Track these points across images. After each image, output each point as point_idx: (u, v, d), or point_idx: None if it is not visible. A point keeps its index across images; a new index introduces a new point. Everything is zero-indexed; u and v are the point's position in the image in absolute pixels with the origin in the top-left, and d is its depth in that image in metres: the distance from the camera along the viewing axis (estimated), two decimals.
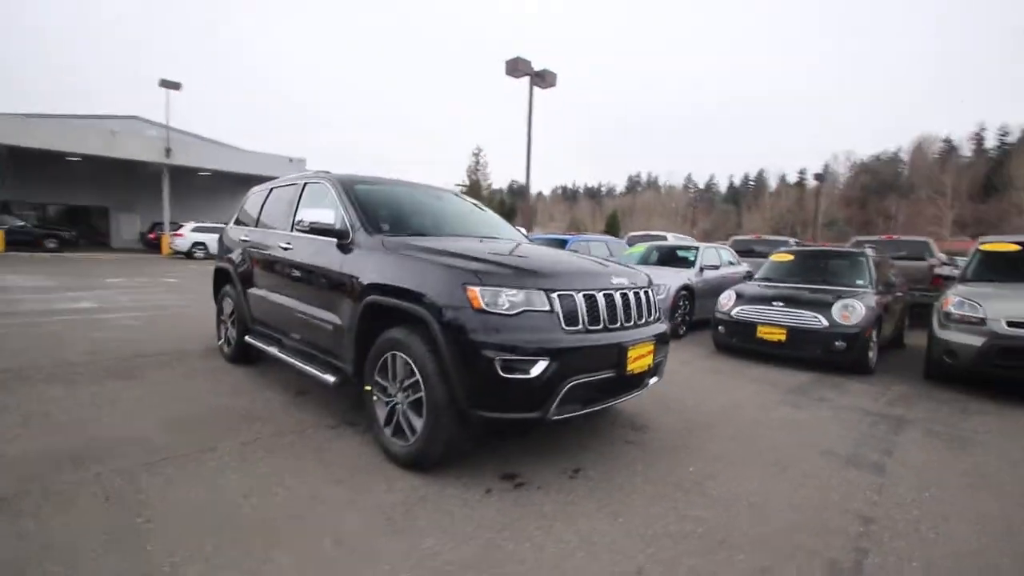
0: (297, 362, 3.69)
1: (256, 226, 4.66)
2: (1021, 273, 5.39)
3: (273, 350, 4.06)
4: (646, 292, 3.20)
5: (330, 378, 3.30)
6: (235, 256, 4.74)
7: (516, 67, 14.10)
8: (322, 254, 3.47)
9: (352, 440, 3.19)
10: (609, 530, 2.30)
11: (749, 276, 9.03)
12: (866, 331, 5.43)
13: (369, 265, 3.07)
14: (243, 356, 4.78)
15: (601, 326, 2.76)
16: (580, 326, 2.67)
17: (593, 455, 3.12)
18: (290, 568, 1.95)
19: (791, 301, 5.86)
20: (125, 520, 2.21)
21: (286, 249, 3.92)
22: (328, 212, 3.39)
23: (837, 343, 5.41)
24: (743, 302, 6.15)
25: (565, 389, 2.55)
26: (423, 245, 3.06)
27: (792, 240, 14.39)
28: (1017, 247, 5.62)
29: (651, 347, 2.99)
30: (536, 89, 14.80)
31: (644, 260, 8.95)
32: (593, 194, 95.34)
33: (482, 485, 2.67)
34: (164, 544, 2.05)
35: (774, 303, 5.92)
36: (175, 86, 21.79)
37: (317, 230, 3.39)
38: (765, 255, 12.28)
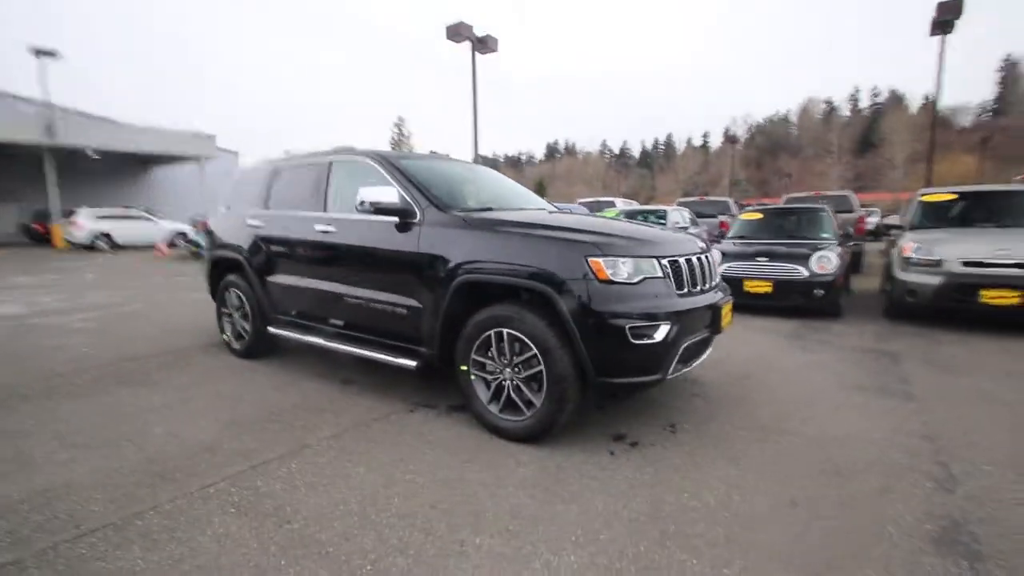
0: (358, 350, 3.54)
1: (265, 210, 4.30)
2: (958, 219, 6.26)
3: (315, 339, 3.84)
4: (709, 255, 3.39)
5: (410, 363, 3.21)
6: (244, 244, 4.35)
7: (458, 32, 13.62)
8: (384, 235, 3.31)
9: (441, 422, 3.15)
10: (741, 473, 2.51)
11: (717, 236, 9.62)
12: (838, 278, 6.07)
13: (457, 244, 2.98)
14: (258, 350, 4.47)
15: (698, 289, 2.92)
16: (685, 290, 2.81)
17: (674, 411, 3.32)
18: (489, 547, 1.96)
19: (772, 256, 6.39)
20: (277, 527, 2.08)
21: (326, 232, 3.67)
22: (388, 191, 3.21)
23: (816, 291, 6.02)
24: (728, 259, 6.61)
25: (681, 349, 2.69)
26: (511, 219, 3.03)
27: (731, 201, 15.45)
28: (955, 196, 6.49)
29: (731, 305, 3.20)
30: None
31: None
32: (514, 163, 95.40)
33: (601, 448, 2.78)
34: (344, 546, 1.97)
35: (757, 259, 6.43)
36: (50, 54, 18.73)
37: (383, 210, 3.22)
38: (712, 215, 13.20)
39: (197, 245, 17.07)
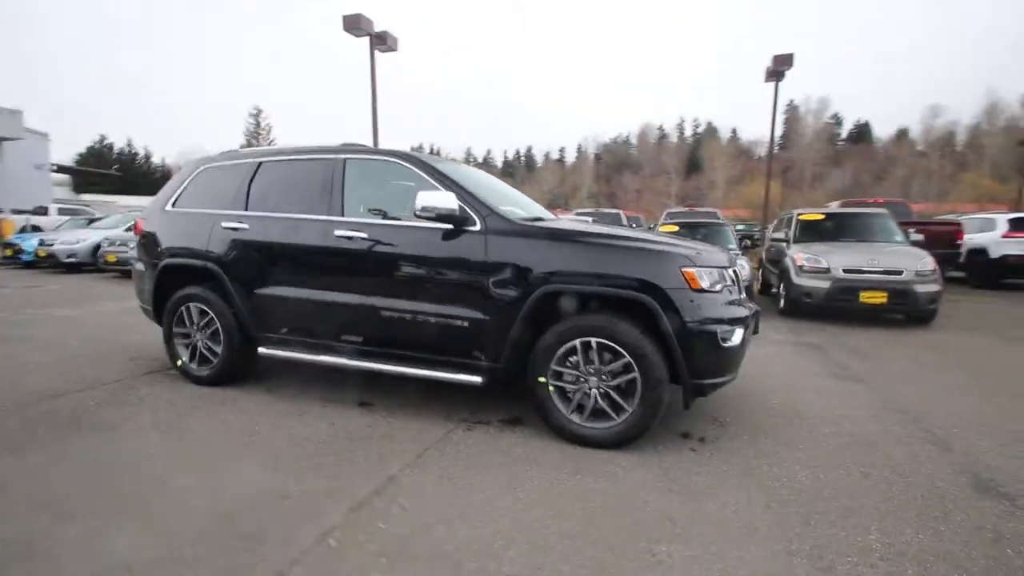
0: (393, 367, 3.26)
1: (245, 210, 3.71)
2: (830, 234, 7.75)
3: (329, 359, 3.43)
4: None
5: (475, 378, 3.07)
6: (218, 250, 3.69)
7: (357, 24, 12.85)
8: (439, 243, 3.11)
9: (510, 437, 3.05)
10: (805, 455, 2.88)
11: None
12: (750, 284, 7.11)
13: (535, 253, 2.93)
14: (231, 374, 3.83)
15: (745, 296, 3.27)
16: (743, 296, 3.13)
17: (714, 405, 3.63)
18: (678, 553, 2.00)
19: None
20: (453, 570, 1.89)
21: (350, 239, 3.30)
22: (446, 196, 3.03)
23: None
24: None
25: (746, 351, 3.00)
26: (587, 230, 3.10)
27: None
28: (823, 216, 8.00)
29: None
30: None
31: None
32: None
33: (680, 446, 2.95)
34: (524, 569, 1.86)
35: None
36: None
37: (444, 217, 3.03)
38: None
39: (9, 246, 13.75)
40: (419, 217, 3.05)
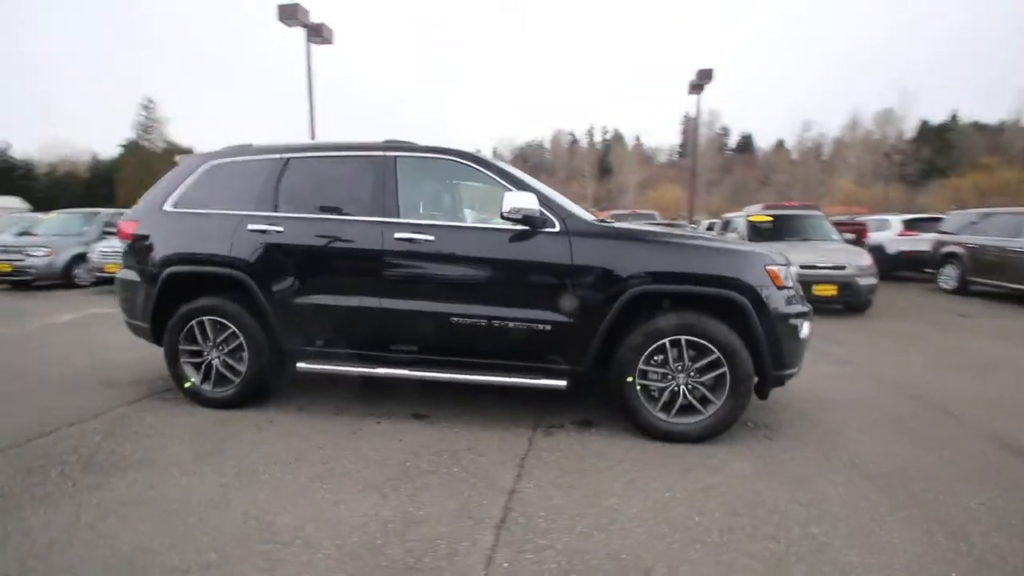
0: (462, 376, 3.11)
1: (275, 211, 3.34)
2: (776, 234, 8.49)
3: (387, 371, 3.20)
4: None
5: (560, 382, 3.01)
6: (246, 255, 3.27)
7: (292, 15, 11.97)
8: (517, 246, 3.01)
9: (595, 439, 3.03)
10: (859, 437, 3.15)
11: None
12: None
13: (622, 255, 2.94)
14: (255, 393, 3.44)
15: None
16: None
17: None
18: (832, 533, 2.10)
19: None
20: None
21: (414, 241, 3.09)
22: (528, 197, 2.95)
23: None
24: None
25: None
26: (667, 232, 3.15)
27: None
28: (770, 218, 8.77)
29: None
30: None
31: None
32: None
33: (755, 435, 3.10)
34: (639, 549, 1.88)
35: None
36: None
37: (524, 219, 2.94)
38: None
39: None
40: (505, 219, 2.93)
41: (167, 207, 3.53)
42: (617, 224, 3.17)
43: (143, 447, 2.85)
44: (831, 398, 3.83)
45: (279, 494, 2.38)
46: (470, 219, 3.65)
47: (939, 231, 10.36)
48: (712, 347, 2.86)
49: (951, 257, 9.61)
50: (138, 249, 3.54)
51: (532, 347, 3.05)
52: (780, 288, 2.92)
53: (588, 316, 2.95)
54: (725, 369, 2.87)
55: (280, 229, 3.27)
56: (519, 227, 3.03)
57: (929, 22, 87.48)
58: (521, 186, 3.12)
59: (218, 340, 3.39)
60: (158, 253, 3.45)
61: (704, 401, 2.94)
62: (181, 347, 3.43)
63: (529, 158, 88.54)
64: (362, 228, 3.19)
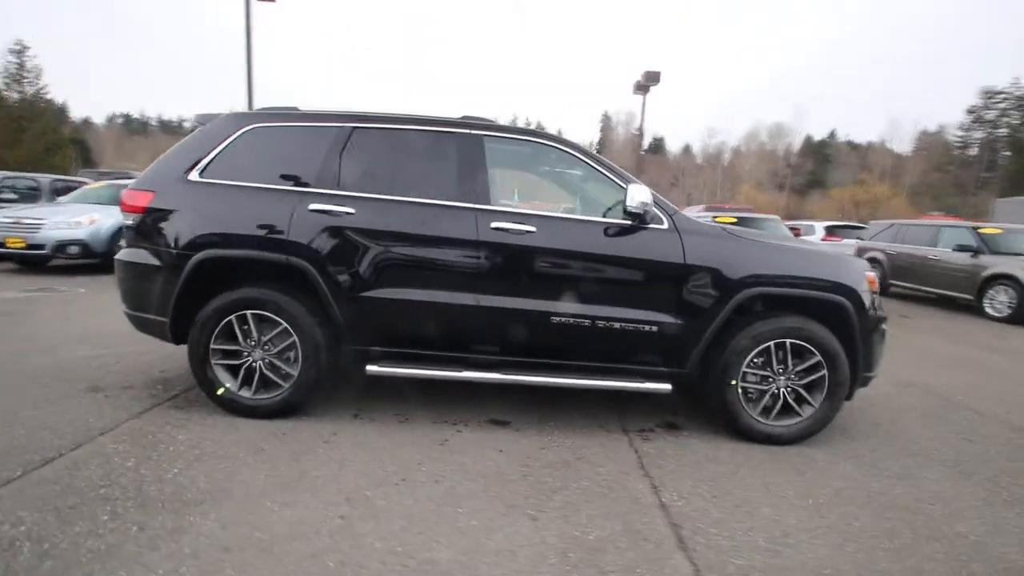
0: (570, 380, 2.90)
1: (337, 189, 2.87)
2: None
3: (469, 374, 2.89)
4: None
5: (665, 386, 2.90)
6: (307, 240, 2.78)
7: None
8: (624, 243, 2.85)
9: (691, 443, 2.96)
10: (915, 432, 3.37)
11: None
12: None
13: (732, 255, 2.87)
14: (305, 400, 2.98)
15: None
16: None
17: None
18: (981, 530, 2.20)
19: None
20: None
21: (509, 232, 2.80)
22: (644, 191, 2.79)
23: None
24: None
25: None
26: (743, 229, 3.15)
27: None
28: (735, 220, 9.25)
29: None
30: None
31: None
32: (171, 128, 77.22)
33: (836, 433, 3.20)
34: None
35: None
36: None
37: (640, 214, 2.79)
38: None
39: None
40: (628, 215, 2.74)
41: (193, 176, 2.90)
42: (728, 227, 3.12)
43: (202, 473, 2.32)
44: (858, 395, 4.06)
45: (414, 523, 2.04)
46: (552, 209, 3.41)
47: (859, 238, 11.60)
48: (814, 350, 2.90)
49: (873, 262, 10.79)
50: (154, 226, 2.88)
51: (635, 349, 2.90)
52: (873, 292, 3.02)
53: (698, 317, 2.86)
54: (825, 372, 2.92)
55: (351, 211, 2.81)
56: (626, 222, 2.86)
57: (826, 44, 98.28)
58: (625, 178, 2.95)
59: (263, 339, 2.87)
60: (186, 232, 2.83)
61: (799, 403, 2.98)
62: (213, 346, 2.86)
63: None
64: (453, 215, 2.83)
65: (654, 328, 2.86)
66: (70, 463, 2.34)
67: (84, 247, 7.63)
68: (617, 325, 2.85)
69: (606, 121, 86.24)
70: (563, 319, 2.84)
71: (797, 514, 2.28)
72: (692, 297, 2.86)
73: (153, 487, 2.18)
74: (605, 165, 2.99)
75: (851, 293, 2.91)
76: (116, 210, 8.26)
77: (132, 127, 73.98)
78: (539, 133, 3.03)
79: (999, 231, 8.69)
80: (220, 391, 2.88)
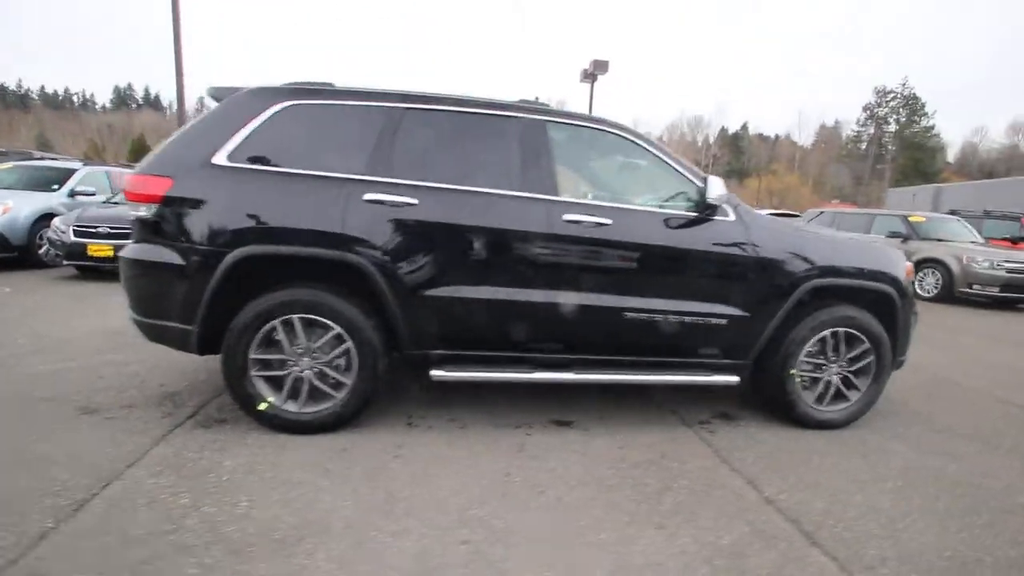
0: (635, 376, 2.84)
1: (392, 177, 2.58)
2: None
3: (542, 375, 2.75)
4: None
5: (732, 378, 2.91)
6: (367, 234, 2.48)
7: None
8: (697, 235, 2.81)
9: (754, 432, 3.00)
10: (965, 409, 3.64)
11: None
12: None
13: (799, 248, 2.91)
14: (359, 411, 2.70)
15: None
16: None
17: None
18: None
19: None
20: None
21: (581, 224, 2.66)
22: (719, 183, 2.75)
23: None
24: None
25: None
26: (826, 229, 3.19)
27: None
28: None
29: None
30: None
31: None
32: (55, 103, 68.25)
33: (879, 416, 3.36)
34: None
35: None
36: None
37: (703, 206, 2.78)
38: None
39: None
40: (700, 206, 2.70)
41: (220, 160, 2.49)
42: (788, 220, 3.15)
43: (277, 504, 2.02)
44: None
45: (545, 544, 1.89)
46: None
47: None
48: (863, 337, 3.02)
49: None
50: (175, 219, 2.44)
51: (703, 342, 2.88)
52: (911, 281, 3.19)
53: (763, 309, 2.88)
54: (872, 358, 3.06)
55: (414, 202, 2.54)
56: (696, 214, 2.81)
57: (752, 38, 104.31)
58: (692, 171, 2.89)
59: (312, 346, 2.54)
60: (219, 226, 2.43)
61: (848, 388, 3.10)
62: (253, 356, 2.50)
63: None
64: (522, 206, 2.64)
65: (723, 321, 2.85)
66: (109, 505, 1.95)
67: (0, 239, 6.52)
68: (688, 319, 2.81)
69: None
70: (636, 314, 2.75)
71: (886, 499, 2.36)
72: (759, 289, 2.87)
73: (231, 527, 1.87)
74: (669, 154, 2.92)
75: (895, 282, 3.06)
76: (34, 196, 7.17)
77: (8, 100, 64.41)
78: (603, 120, 2.90)
79: (924, 219, 9.66)
80: (262, 406, 2.53)
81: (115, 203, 7.46)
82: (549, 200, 2.67)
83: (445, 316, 2.64)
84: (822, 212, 11.71)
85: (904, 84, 49.04)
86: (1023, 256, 8.40)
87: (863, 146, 52.44)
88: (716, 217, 2.85)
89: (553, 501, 2.18)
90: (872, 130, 50.75)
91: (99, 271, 6.86)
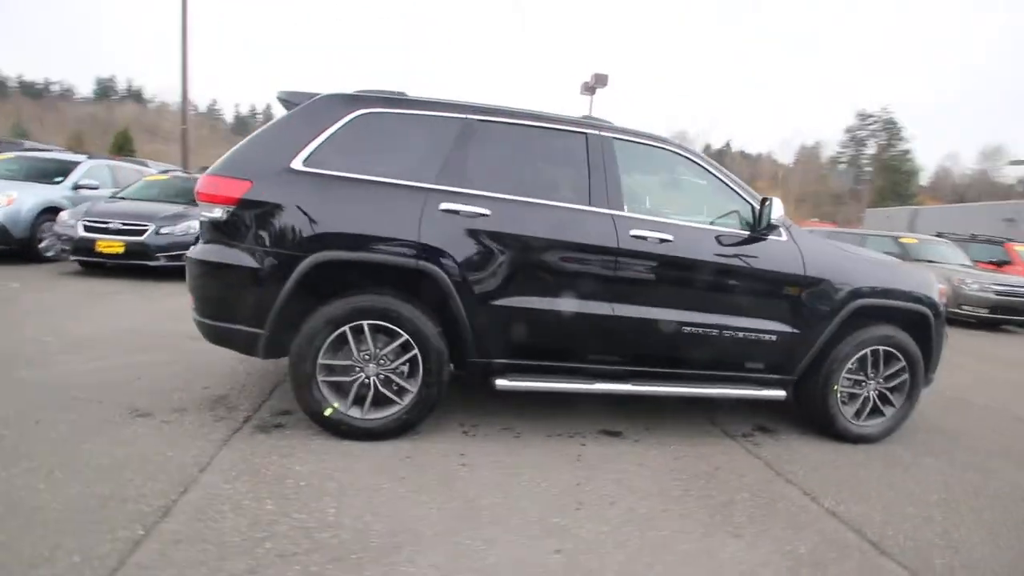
0: (688, 389, 2.91)
1: (465, 187, 2.62)
2: None
3: (603, 386, 2.81)
4: None
5: (780, 393, 3.01)
6: (441, 243, 2.51)
7: None
8: (752, 252, 2.90)
9: (795, 444, 3.09)
10: (982, 423, 3.80)
11: None
12: None
13: (847, 268, 3.03)
14: (423, 418, 2.71)
15: None
16: None
17: None
18: None
19: None
20: None
21: (647, 240, 2.73)
22: (778, 203, 2.87)
23: None
24: None
25: None
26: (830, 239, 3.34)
27: None
28: None
29: None
30: None
31: None
32: (34, 92, 66.39)
33: (919, 430, 3.49)
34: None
35: None
36: None
37: (756, 225, 2.88)
38: None
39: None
40: (757, 227, 2.82)
41: (297, 164, 2.50)
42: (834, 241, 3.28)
43: (366, 512, 2.01)
44: None
45: (635, 554, 1.93)
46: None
47: None
48: (900, 356, 3.15)
49: None
50: (252, 222, 2.44)
51: (754, 357, 2.97)
52: (943, 303, 3.33)
53: (812, 327, 2.98)
54: (907, 376, 3.18)
55: (487, 212, 2.58)
56: (752, 233, 2.91)
57: (738, 61, 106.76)
58: (749, 192, 3.00)
59: (381, 352, 2.55)
60: (297, 231, 2.43)
61: (888, 404, 3.22)
62: (321, 361, 2.50)
63: None
64: (591, 220, 2.71)
65: (773, 337, 2.95)
66: (195, 511, 1.93)
67: (2, 232, 6.32)
68: (741, 334, 2.90)
69: None
70: (695, 328, 2.83)
71: (936, 511, 2.46)
72: (809, 307, 2.97)
73: (325, 534, 1.87)
74: (727, 175, 3.01)
75: (932, 304, 3.20)
76: (37, 189, 7.00)
77: None
78: (666, 140, 2.98)
79: (916, 241, 10.02)
80: (328, 411, 2.53)
81: (121, 198, 7.32)
82: (617, 215, 2.74)
83: (511, 326, 2.67)
84: (812, 232, 12.05)
85: (885, 109, 50.92)
86: (1011, 279, 8.77)
87: (842, 167, 54.14)
88: (771, 236, 2.95)
89: (626, 512, 2.22)
90: (852, 152, 52.55)
91: (103, 267, 6.72)
